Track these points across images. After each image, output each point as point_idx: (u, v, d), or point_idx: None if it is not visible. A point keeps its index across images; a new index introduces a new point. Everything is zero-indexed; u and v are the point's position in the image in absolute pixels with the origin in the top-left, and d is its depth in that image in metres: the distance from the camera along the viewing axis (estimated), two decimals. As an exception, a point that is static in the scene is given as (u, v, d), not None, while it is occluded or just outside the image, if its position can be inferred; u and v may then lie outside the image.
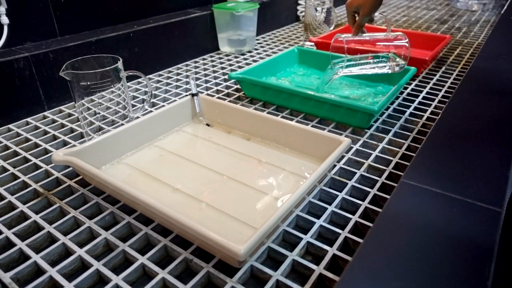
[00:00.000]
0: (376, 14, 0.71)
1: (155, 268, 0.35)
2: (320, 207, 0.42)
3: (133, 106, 0.67)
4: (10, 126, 0.60)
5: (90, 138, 0.55)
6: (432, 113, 0.63)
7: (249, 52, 0.94)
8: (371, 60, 0.64)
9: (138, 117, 0.57)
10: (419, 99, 0.68)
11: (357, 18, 0.68)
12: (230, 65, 0.86)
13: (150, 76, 0.80)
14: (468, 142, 0.49)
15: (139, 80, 0.78)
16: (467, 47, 0.96)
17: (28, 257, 0.36)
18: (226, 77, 0.80)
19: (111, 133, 0.48)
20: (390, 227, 0.35)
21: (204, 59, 0.91)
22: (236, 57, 0.90)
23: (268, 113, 0.63)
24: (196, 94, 0.59)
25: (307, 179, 0.39)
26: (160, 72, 0.82)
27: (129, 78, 0.77)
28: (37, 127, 0.60)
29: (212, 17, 0.92)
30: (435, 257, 0.32)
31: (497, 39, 0.93)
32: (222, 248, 0.31)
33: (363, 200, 0.43)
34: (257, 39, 1.05)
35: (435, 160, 0.45)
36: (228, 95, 0.72)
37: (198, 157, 0.51)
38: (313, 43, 0.90)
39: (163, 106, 0.66)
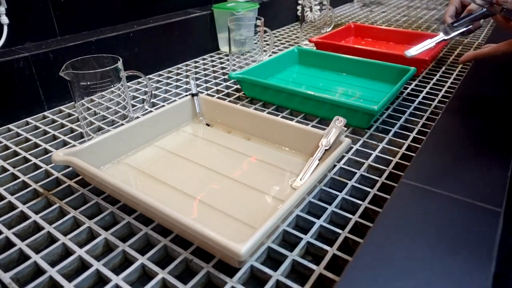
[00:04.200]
0: None
1: (155, 268, 0.35)
2: (320, 207, 0.42)
3: (133, 106, 0.67)
4: (10, 126, 0.60)
5: (90, 138, 0.55)
6: (432, 113, 0.63)
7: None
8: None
9: (138, 117, 0.57)
10: (419, 99, 0.68)
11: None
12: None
13: (150, 76, 0.80)
14: (468, 142, 0.49)
15: (139, 80, 0.78)
16: (467, 47, 0.96)
17: (28, 257, 0.36)
18: (226, 77, 0.80)
19: (111, 133, 0.48)
20: (390, 227, 0.35)
21: (204, 59, 0.91)
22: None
23: (268, 113, 0.63)
24: (196, 94, 0.59)
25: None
26: (160, 72, 0.82)
27: (129, 78, 0.77)
28: (37, 127, 0.60)
29: (212, 17, 0.92)
30: (435, 257, 0.32)
31: (497, 39, 0.93)
32: (222, 248, 0.31)
33: (363, 200, 0.43)
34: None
35: (435, 160, 0.45)
36: (228, 95, 0.72)
37: (198, 157, 0.51)
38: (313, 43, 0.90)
39: (163, 106, 0.65)
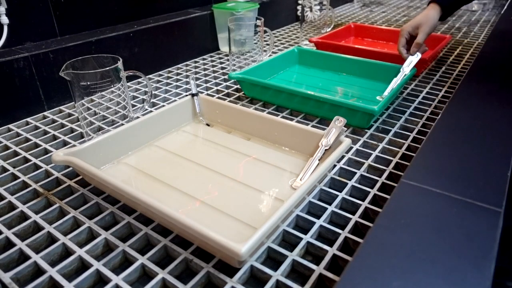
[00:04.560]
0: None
1: (155, 268, 0.35)
2: (320, 207, 0.42)
3: (133, 106, 0.67)
4: (10, 126, 0.60)
5: (90, 138, 0.55)
6: (432, 113, 0.63)
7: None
8: None
9: (138, 117, 0.57)
10: (419, 99, 0.68)
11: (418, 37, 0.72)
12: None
13: (150, 76, 0.80)
14: (468, 142, 0.49)
15: (139, 80, 0.78)
16: (467, 47, 0.96)
17: (28, 257, 0.36)
18: (226, 77, 0.80)
19: (111, 133, 0.48)
20: (390, 227, 0.35)
21: (204, 59, 0.91)
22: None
23: (268, 113, 0.63)
24: (196, 94, 0.59)
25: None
26: (160, 72, 0.82)
27: (129, 78, 0.77)
28: (37, 127, 0.60)
29: (212, 17, 0.92)
30: (435, 257, 0.32)
31: (497, 39, 0.93)
32: (222, 248, 0.31)
33: (363, 200, 0.43)
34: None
35: (435, 160, 0.45)
36: (228, 95, 0.72)
37: (198, 157, 0.51)
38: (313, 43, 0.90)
39: (163, 106, 0.66)
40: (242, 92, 0.71)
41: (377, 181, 0.46)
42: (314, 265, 0.35)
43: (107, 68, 0.50)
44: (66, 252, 0.38)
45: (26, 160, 0.52)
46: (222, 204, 0.42)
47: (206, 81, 0.78)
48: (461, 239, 0.33)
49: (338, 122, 0.47)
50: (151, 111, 0.63)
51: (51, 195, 0.44)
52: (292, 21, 1.24)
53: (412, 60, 0.70)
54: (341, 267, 0.35)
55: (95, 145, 0.47)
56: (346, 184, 0.46)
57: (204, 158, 0.50)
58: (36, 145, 0.56)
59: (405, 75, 0.67)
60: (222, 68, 0.85)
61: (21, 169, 0.49)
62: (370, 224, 0.39)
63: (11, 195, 0.44)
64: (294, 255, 0.36)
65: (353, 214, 0.41)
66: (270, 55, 0.82)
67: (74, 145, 0.55)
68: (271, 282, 0.33)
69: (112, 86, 0.52)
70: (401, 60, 0.75)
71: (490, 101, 0.60)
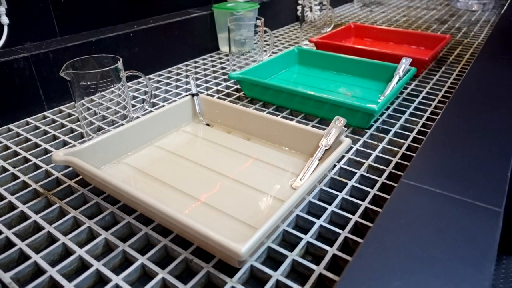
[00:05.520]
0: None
1: (155, 268, 0.35)
2: (320, 207, 0.42)
3: (133, 106, 0.67)
4: (10, 126, 0.60)
5: (90, 138, 0.55)
6: (432, 113, 0.63)
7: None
8: None
9: (138, 117, 0.57)
10: (419, 99, 0.68)
11: None
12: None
13: (150, 76, 0.80)
14: (468, 142, 0.49)
15: (139, 80, 0.78)
16: (467, 47, 0.96)
17: (28, 257, 0.36)
18: (226, 77, 0.80)
19: (111, 133, 0.48)
20: (390, 227, 0.35)
21: (204, 59, 0.91)
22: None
23: (268, 113, 0.63)
24: (196, 94, 0.59)
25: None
26: (160, 72, 0.82)
27: (129, 78, 0.77)
28: (37, 127, 0.60)
29: (212, 17, 0.92)
30: (435, 257, 0.32)
31: (497, 39, 0.93)
32: (222, 248, 0.31)
33: (363, 200, 0.43)
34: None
35: (435, 160, 0.45)
36: (228, 95, 0.72)
37: (198, 157, 0.51)
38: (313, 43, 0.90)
39: (163, 106, 0.66)
40: (242, 92, 0.71)
41: (377, 181, 0.46)
42: (314, 265, 0.35)
43: (107, 68, 0.50)
44: (66, 252, 0.38)
45: (26, 160, 0.52)
46: (222, 204, 0.42)
47: (206, 81, 0.78)
48: (461, 239, 0.33)
49: (338, 122, 0.47)
50: (151, 111, 0.63)
51: (51, 195, 0.44)
52: (292, 21, 1.24)
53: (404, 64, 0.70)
54: (341, 267, 0.35)
55: (95, 145, 0.47)
56: (346, 184, 0.46)
57: (204, 158, 0.50)
58: (36, 145, 0.56)
59: (400, 78, 0.67)
60: (222, 68, 0.85)
61: (21, 169, 0.49)
62: (370, 224, 0.39)
63: (11, 195, 0.44)
64: (294, 255, 0.36)
65: (353, 214, 0.41)
66: (270, 55, 0.82)
67: (74, 145, 0.55)
68: (271, 282, 0.33)
69: (112, 86, 0.52)
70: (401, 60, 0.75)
71: (490, 101, 0.60)
